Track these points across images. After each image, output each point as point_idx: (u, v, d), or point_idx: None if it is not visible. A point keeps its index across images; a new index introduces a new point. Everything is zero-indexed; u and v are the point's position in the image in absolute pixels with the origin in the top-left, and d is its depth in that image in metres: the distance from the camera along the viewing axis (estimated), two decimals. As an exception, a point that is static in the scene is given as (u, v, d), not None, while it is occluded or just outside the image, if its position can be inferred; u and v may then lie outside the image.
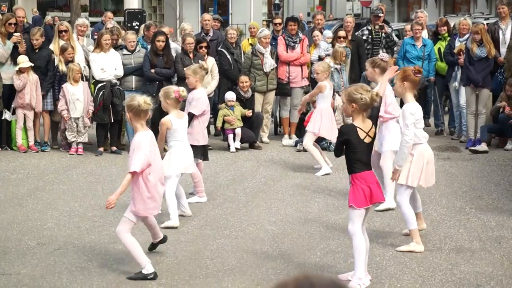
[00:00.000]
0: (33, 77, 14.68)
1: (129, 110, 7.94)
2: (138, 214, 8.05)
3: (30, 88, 14.63)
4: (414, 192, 9.20)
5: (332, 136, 13.11)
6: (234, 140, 15.24)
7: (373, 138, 7.78)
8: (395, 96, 10.59)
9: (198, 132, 11.12)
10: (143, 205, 8.00)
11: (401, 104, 10.29)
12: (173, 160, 9.86)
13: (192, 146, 10.46)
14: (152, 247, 8.75)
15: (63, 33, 15.51)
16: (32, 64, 14.63)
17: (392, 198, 10.59)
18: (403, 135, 8.80)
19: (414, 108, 8.87)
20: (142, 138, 7.89)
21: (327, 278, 1.85)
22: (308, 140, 13.28)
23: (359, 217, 7.71)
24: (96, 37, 16.51)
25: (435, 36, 16.71)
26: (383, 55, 11.22)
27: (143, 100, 7.88)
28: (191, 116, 10.96)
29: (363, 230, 7.84)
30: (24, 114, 14.77)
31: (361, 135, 7.61)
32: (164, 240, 8.70)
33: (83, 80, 14.83)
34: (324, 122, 13.19)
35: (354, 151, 7.64)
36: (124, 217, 8.11)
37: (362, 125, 7.64)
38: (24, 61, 14.61)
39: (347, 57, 16.29)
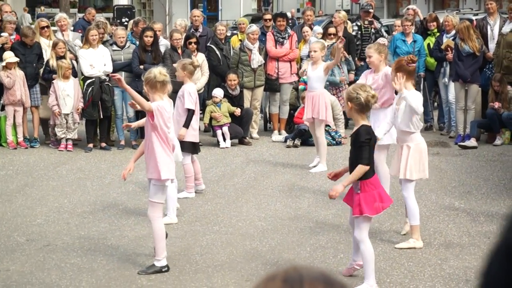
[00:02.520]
0: (20, 73, 14.63)
1: (145, 83, 7.97)
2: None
3: (20, 84, 14.60)
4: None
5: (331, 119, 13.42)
6: (224, 139, 15.19)
7: (375, 141, 7.71)
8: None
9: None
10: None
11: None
12: None
13: (181, 142, 10.45)
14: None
15: (45, 29, 15.49)
16: (18, 60, 14.55)
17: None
18: (417, 109, 8.60)
19: (417, 95, 8.88)
20: (158, 104, 7.85)
21: (316, 270, 1.85)
22: (321, 130, 13.14)
23: (367, 224, 7.56)
24: (79, 32, 16.49)
25: (424, 31, 16.71)
26: (381, 39, 11.31)
27: (158, 71, 7.94)
28: (192, 113, 10.93)
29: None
30: (14, 110, 14.72)
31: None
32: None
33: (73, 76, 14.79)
34: (328, 108, 13.12)
35: (371, 153, 7.46)
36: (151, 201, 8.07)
37: (368, 124, 7.59)
38: (10, 56, 14.55)
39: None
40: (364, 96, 7.38)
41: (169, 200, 9.76)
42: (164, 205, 8.50)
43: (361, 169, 7.31)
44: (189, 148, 11.05)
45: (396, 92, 9.73)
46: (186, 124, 10.89)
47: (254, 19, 33.34)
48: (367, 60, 11.39)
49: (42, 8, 40.66)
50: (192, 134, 11.15)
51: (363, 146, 7.34)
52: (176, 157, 10.04)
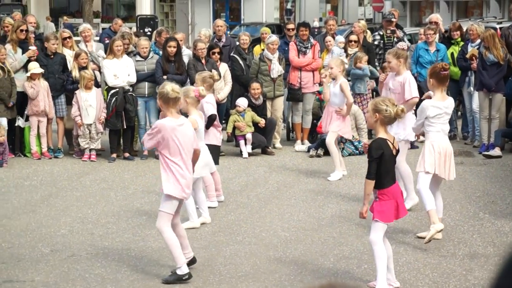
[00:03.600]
0: (44, 84, 14.71)
1: (159, 97, 8.11)
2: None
3: (43, 95, 14.67)
4: (437, 196, 9.40)
5: (348, 133, 13.41)
6: (245, 143, 15.24)
7: (398, 150, 7.83)
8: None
9: (209, 133, 11.22)
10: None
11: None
12: None
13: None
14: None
15: (67, 40, 15.57)
16: (43, 71, 14.64)
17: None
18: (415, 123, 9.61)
19: (435, 103, 9.33)
20: (162, 123, 7.97)
21: (352, 286, 1.85)
22: (331, 140, 13.14)
23: (383, 228, 7.68)
24: (107, 41, 16.53)
25: (448, 40, 16.66)
26: (401, 43, 11.40)
27: (171, 88, 8.02)
28: (214, 119, 11.12)
29: (385, 239, 7.83)
30: (38, 121, 14.80)
31: (390, 147, 7.63)
32: (193, 261, 8.53)
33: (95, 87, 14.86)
34: (346, 122, 13.17)
35: (386, 166, 7.60)
36: (160, 211, 8.19)
37: (387, 137, 7.66)
38: (35, 67, 14.63)
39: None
40: (393, 109, 7.58)
41: (187, 206, 9.81)
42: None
43: (367, 183, 7.66)
44: (213, 154, 11.05)
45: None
46: (207, 127, 11.08)
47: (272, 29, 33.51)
48: (386, 65, 11.56)
49: (65, 18, 40.95)
50: (216, 137, 11.28)
51: (371, 161, 7.60)
52: (198, 173, 10.07)
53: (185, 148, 8.03)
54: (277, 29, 34.90)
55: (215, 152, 11.35)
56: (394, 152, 7.70)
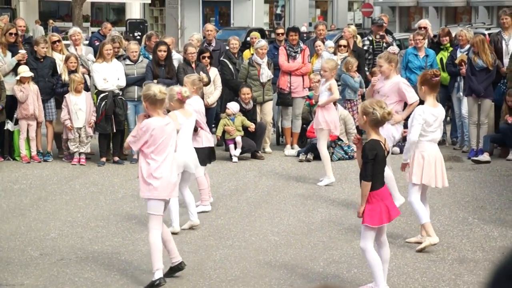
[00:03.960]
0: (34, 88, 14.68)
1: (145, 100, 8.05)
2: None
3: (33, 99, 14.65)
4: (424, 203, 9.38)
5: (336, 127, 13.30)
6: (235, 148, 15.25)
7: (388, 152, 7.86)
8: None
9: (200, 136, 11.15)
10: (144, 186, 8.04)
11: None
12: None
13: (197, 149, 10.50)
14: (170, 272, 8.37)
15: (56, 44, 15.54)
16: (32, 74, 14.62)
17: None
18: (408, 133, 9.31)
19: (428, 109, 9.21)
20: (150, 122, 7.96)
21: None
22: (323, 144, 13.08)
23: (372, 234, 7.70)
24: (96, 44, 16.52)
25: (437, 46, 16.70)
26: (392, 47, 11.45)
27: (158, 89, 8.01)
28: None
29: (384, 241, 7.85)
30: (27, 124, 14.77)
31: (383, 148, 7.66)
32: (181, 267, 8.45)
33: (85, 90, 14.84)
34: (332, 119, 13.06)
35: (377, 167, 7.63)
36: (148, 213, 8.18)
37: (379, 138, 7.69)
38: (25, 70, 14.61)
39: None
40: (380, 112, 7.55)
41: (171, 213, 9.79)
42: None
43: (364, 185, 7.64)
44: (204, 158, 11.04)
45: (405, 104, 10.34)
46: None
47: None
48: (377, 69, 11.59)
49: (51, 21, 40.85)
50: (208, 139, 11.18)
51: (366, 163, 7.60)
52: (189, 169, 10.06)
53: (170, 147, 8.06)
54: (260, 33, 34.64)
55: (210, 153, 11.30)
56: (385, 153, 7.73)
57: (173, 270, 8.34)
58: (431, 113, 9.21)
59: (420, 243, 9.30)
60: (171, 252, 8.28)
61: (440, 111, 9.42)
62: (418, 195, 9.27)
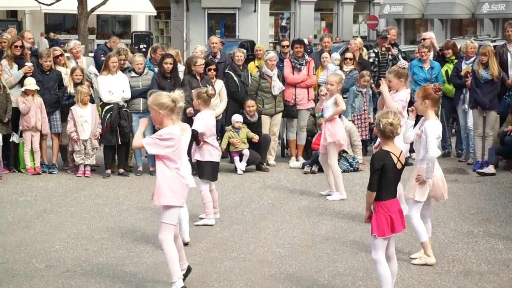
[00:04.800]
0: (38, 100, 14.71)
1: (162, 108, 7.93)
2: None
3: (35, 111, 14.67)
4: (426, 216, 9.32)
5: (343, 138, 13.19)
6: (241, 161, 15.25)
7: (404, 165, 7.78)
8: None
9: (202, 149, 11.14)
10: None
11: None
12: None
13: (199, 164, 10.49)
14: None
15: (59, 58, 15.57)
16: (38, 88, 14.66)
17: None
18: (428, 150, 9.03)
19: (436, 125, 9.12)
20: (173, 131, 7.97)
21: None
22: (334, 159, 12.98)
23: (382, 245, 7.67)
24: (102, 58, 16.55)
25: (442, 58, 16.71)
26: (401, 62, 11.45)
27: (177, 95, 8.03)
28: (194, 135, 10.92)
29: (392, 254, 7.84)
30: (31, 136, 14.80)
31: (394, 159, 7.63)
32: (189, 270, 8.53)
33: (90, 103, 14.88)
34: (339, 131, 13.02)
35: (386, 178, 7.60)
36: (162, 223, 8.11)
37: (393, 149, 7.67)
38: (31, 83, 14.65)
39: (355, 79, 16.48)
40: (384, 123, 7.58)
41: (181, 222, 9.82)
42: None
43: (368, 194, 7.68)
44: (208, 173, 11.05)
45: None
46: (197, 143, 11.09)
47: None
48: (386, 83, 11.54)
49: (52, 34, 40.95)
50: (211, 154, 11.16)
51: (372, 172, 7.62)
52: (192, 183, 10.08)
53: (183, 156, 8.21)
54: (251, 46, 34.41)
55: (213, 168, 11.31)
56: (399, 166, 7.67)
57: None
58: (438, 128, 9.17)
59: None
60: (180, 259, 8.28)
61: (441, 126, 9.35)
62: (419, 213, 9.17)
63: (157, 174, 8.06)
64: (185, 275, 8.39)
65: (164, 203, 8.04)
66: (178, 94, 8.12)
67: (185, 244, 9.56)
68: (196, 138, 11.00)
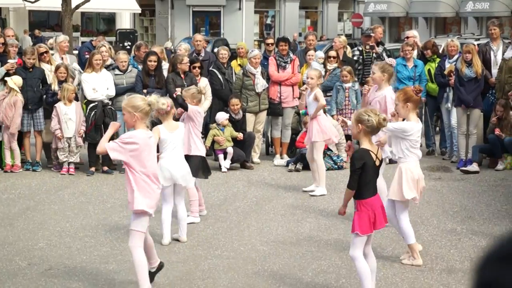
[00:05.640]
0: (14, 98, 14.60)
1: (136, 110, 7.77)
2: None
3: (5, 107, 14.54)
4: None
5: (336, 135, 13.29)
6: (225, 159, 15.26)
7: (381, 161, 7.81)
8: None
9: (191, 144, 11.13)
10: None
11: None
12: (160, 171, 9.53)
13: (188, 159, 10.48)
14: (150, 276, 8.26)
15: (44, 55, 15.51)
16: (17, 89, 14.53)
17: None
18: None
19: (413, 126, 9.00)
20: (136, 134, 7.80)
21: None
22: (320, 154, 13.08)
23: (361, 242, 7.72)
24: (87, 56, 16.52)
25: (424, 57, 16.74)
26: (389, 59, 11.40)
27: (153, 99, 7.91)
28: (185, 106, 10.97)
29: (369, 251, 7.86)
30: (10, 134, 14.72)
31: (373, 157, 7.65)
32: (161, 266, 8.41)
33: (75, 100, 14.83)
34: (329, 128, 13.05)
35: (366, 176, 7.63)
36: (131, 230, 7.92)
37: (371, 147, 7.69)
38: (15, 81, 14.57)
39: (339, 77, 16.47)
40: (375, 119, 7.57)
41: (162, 224, 9.82)
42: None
43: (347, 192, 7.77)
44: (196, 166, 11.01)
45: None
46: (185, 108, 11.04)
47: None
48: (370, 76, 11.50)
49: (37, 31, 40.78)
50: (199, 148, 11.15)
51: (353, 172, 7.66)
52: (186, 182, 10.09)
53: (153, 160, 7.90)
54: (226, 45, 34.19)
55: (203, 163, 11.31)
56: (377, 163, 7.71)
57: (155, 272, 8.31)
58: (418, 130, 9.09)
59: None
60: (150, 258, 8.16)
61: (420, 127, 9.28)
62: (407, 214, 9.11)
63: (125, 179, 7.88)
64: (157, 270, 8.29)
65: (130, 208, 7.84)
66: (154, 98, 7.99)
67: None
68: (182, 104, 10.97)
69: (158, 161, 9.72)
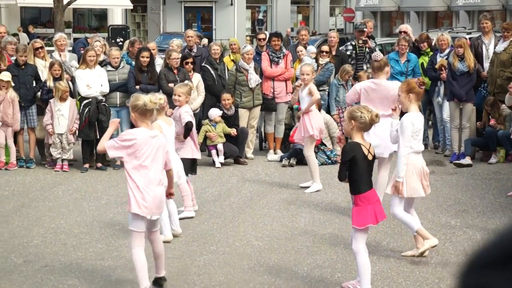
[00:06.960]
0: (11, 95, 14.59)
1: (134, 110, 7.69)
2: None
3: (4, 106, 14.54)
4: (411, 210, 9.25)
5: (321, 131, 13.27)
6: (218, 155, 15.26)
7: (374, 157, 7.84)
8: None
9: (185, 146, 11.14)
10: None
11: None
12: None
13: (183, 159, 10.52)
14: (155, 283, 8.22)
15: (39, 50, 15.50)
16: (9, 79, 14.51)
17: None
18: (399, 147, 8.89)
19: (415, 118, 8.93)
20: (135, 132, 7.73)
21: None
22: (310, 150, 13.07)
23: (362, 236, 7.77)
24: (82, 51, 16.50)
25: (417, 51, 16.73)
26: (376, 54, 11.39)
27: (148, 99, 7.69)
28: (190, 127, 10.96)
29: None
30: (5, 131, 14.71)
31: (365, 151, 7.67)
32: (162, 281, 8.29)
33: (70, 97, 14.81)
34: (318, 123, 13.04)
35: (359, 170, 7.66)
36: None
37: (363, 142, 7.72)
38: (6, 75, 14.56)
39: (331, 72, 16.48)
40: (368, 116, 7.59)
41: (161, 220, 9.81)
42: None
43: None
44: (187, 166, 11.05)
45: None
46: (185, 136, 10.99)
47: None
48: (361, 73, 11.51)
49: (31, 27, 40.72)
50: (192, 151, 11.18)
51: (342, 163, 7.77)
52: (178, 178, 10.10)
53: (156, 162, 7.73)
54: (209, 40, 34.00)
55: (192, 163, 11.34)
56: (369, 157, 7.73)
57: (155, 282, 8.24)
58: (418, 121, 8.99)
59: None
60: (158, 269, 8.14)
61: (422, 119, 9.25)
62: (401, 206, 9.07)
63: (127, 179, 7.74)
64: (157, 282, 8.17)
65: (128, 209, 7.78)
66: (149, 98, 7.87)
67: (167, 242, 9.52)
68: (189, 131, 10.98)
69: None
